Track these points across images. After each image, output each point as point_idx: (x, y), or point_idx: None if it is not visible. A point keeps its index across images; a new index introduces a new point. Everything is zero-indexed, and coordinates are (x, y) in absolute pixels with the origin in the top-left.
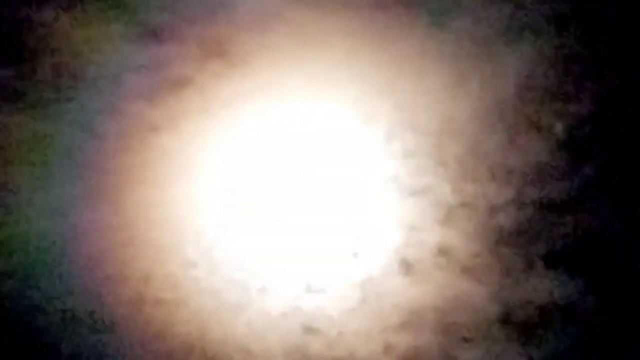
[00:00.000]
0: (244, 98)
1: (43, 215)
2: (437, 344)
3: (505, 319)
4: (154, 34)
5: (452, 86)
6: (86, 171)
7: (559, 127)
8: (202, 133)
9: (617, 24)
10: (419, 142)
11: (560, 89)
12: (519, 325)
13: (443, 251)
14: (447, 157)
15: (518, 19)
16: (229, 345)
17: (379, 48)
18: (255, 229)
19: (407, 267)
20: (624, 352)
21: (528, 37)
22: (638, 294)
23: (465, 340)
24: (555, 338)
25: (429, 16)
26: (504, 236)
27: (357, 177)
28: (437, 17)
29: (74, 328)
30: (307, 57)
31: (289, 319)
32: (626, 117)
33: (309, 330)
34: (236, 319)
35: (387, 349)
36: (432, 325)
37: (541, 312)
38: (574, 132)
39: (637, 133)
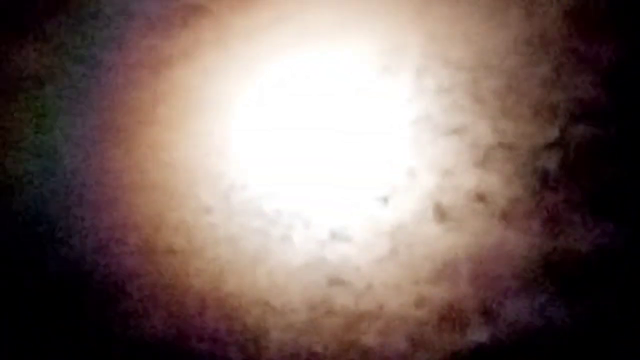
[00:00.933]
0: (263, 30)
1: (46, 156)
2: (473, 296)
3: (548, 270)
4: None
5: (491, 15)
6: (92, 109)
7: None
8: (218, 67)
9: None
10: (453, 77)
11: (610, 19)
12: (562, 276)
13: (480, 196)
14: (484, 93)
15: None
16: (247, 298)
17: None
18: (276, 172)
19: (441, 213)
20: None
21: None
22: None
23: (505, 292)
24: (600, 290)
25: None
26: (548, 180)
27: (386, 115)
28: None
29: (79, 279)
30: None
31: (312, 270)
32: None
33: (334, 281)
34: (255, 270)
35: (420, 302)
36: (468, 276)
37: (586, 263)
38: (624, 67)
39: None
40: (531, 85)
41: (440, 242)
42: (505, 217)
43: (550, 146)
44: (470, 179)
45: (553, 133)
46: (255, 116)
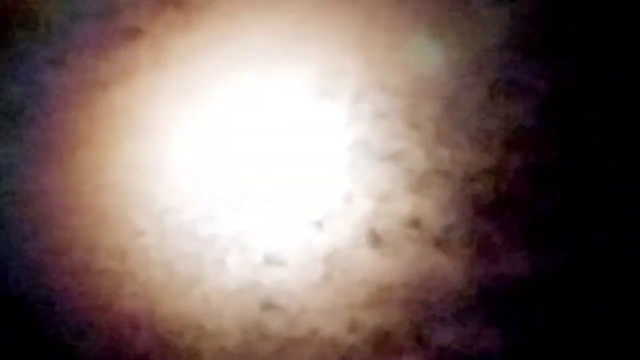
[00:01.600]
0: (201, 52)
1: None
2: (407, 322)
3: (482, 297)
4: None
5: (428, 42)
6: (28, 129)
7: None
8: (155, 89)
9: None
10: (390, 102)
11: (546, 47)
12: (496, 302)
13: (415, 222)
14: (421, 119)
15: None
16: (181, 321)
17: None
18: (212, 196)
19: (376, 238)
20: (604, 329)
21: None
22: (622, 272)
23: (438, 318)
24: (533, 316)
25: None
26: (482, 207)
27: (323, 140)
28: None
29: (12, 300)
30: (269, 8)
31: (246, 294)
32: (614, 80)
33: (268, 306)
34: (189, 293)
35: (353, 327)
36: (401, 302)
37: (519, 290)
38: (560, 95)
39: (623, 96)
40: (467, 112)
41: (375, 267)
42: (440, 243)
43: (485, 173)
44: (405, 205)
45: (489, 160)
46: (192, 139)
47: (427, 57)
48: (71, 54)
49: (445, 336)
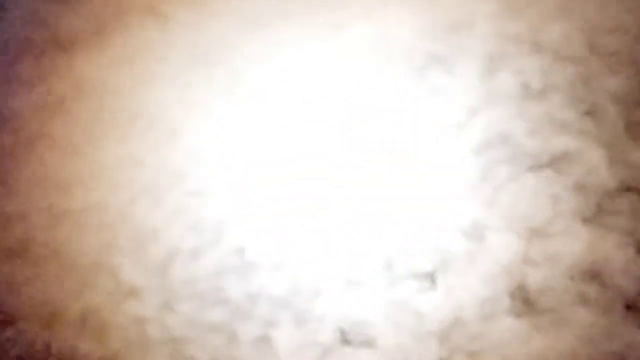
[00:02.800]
0: None
1: None
2: None
3: None
4: None
5: None
6: None
7: None
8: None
9: None
10: (549, 72)
11: None
12: None
13: (593, 274)
14: (601, 101)
15: None
16: None
17: None
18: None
19: (526, 301)
20: None
21: None
22: None
23: None
24: None
25: None
26: None
27: (433, 136)
28: None
29: None
30: None
31: None
32: None
33: None
34: None
35: None
36: None
37: None
38: None
39: None
40: None
41: (526, 349)
42: (635, 307)
43: None
44: (576, 245)
45: None
46: None
47: None
48: None
49: None
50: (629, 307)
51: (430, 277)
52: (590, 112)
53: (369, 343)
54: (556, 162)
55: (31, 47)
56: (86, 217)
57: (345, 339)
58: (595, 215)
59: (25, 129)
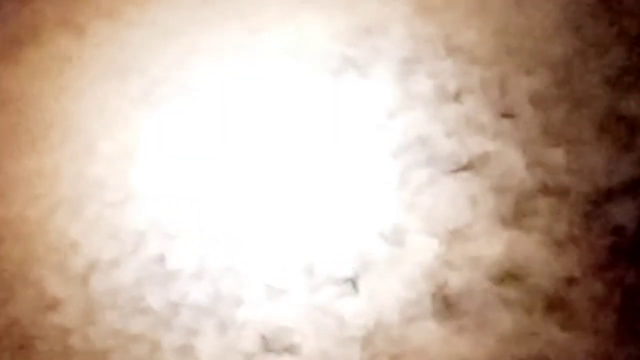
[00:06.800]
0: None
1: None
2: None
3: None
4: None
5: None
6: None
7: None
8: None
9: None
10: (464, 74)
11: None
12: None
13: (511, 275)
14: (517, 101)
15: None
16: None
17: None
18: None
19: (446, 304)
20: None
21: None
22: None
23: None
24: None
25: None
26: (621, 247)
27: (353, 140)
28: None
29: None
30: None
31: None
32: None
33: None
34: None
35: None
36: None
37: None
38: None
39: None
40: (590, 90)
41: (446, 351)
42: (555, 308)
43: (625, 189)
44: (494, 246)
45: (631, 168)
46: None
47: None
48: None
49: None
50: (550, 306)
51: (352, 282)
52: (507, 114)
53: (291, 350)
54: (474, 164)
55: None
56: (6, 230)
57: (267, 346)
58: (514, 216)
59: None
